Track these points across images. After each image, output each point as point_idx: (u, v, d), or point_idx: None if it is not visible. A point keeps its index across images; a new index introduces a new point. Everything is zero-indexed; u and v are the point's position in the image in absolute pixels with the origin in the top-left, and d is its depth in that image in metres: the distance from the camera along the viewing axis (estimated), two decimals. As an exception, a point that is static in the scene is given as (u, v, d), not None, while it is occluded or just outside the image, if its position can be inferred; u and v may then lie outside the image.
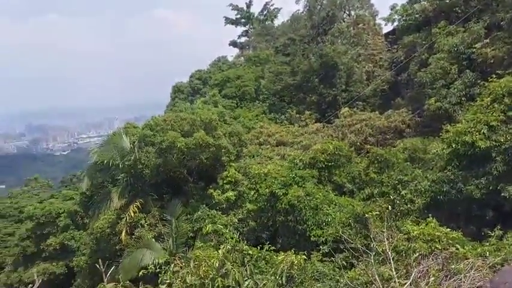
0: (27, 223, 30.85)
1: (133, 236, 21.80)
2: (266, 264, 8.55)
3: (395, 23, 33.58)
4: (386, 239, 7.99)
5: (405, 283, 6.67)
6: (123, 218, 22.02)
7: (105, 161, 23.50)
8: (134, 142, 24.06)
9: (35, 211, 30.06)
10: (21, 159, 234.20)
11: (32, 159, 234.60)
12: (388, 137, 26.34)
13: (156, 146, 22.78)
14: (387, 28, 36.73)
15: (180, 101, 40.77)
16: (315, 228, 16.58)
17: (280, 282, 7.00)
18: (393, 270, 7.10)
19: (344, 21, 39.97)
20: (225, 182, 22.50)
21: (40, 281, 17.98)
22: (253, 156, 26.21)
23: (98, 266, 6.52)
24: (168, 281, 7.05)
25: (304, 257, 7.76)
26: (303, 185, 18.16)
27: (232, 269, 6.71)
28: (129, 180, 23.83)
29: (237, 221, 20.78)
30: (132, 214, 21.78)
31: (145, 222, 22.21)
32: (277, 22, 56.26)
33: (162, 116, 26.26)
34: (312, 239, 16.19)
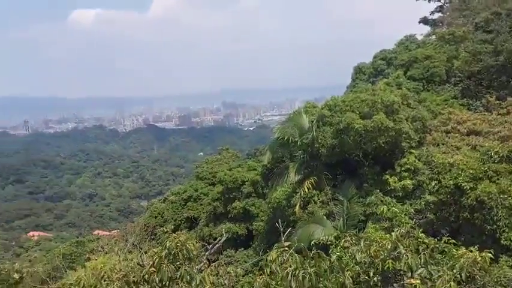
0: (218, 186, 35.38)
1: (306, 211, 22.82)
2: (443, 257, 7.92)
3: None
4: None
5: None
6: (298, 192, 23.19)
7: (285, 138, 24.97)
8: (313, 121, 24.81)
9: (225, 177, 34.23)
10: (216, 131, 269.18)
11: (225, 131, 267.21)
12: None
13: (333, 126, 23.02)
14: None
15: (361, 82, 39.94)
16: (507, 230, 14.44)
17: (458, 278, 6.42)
18: None
19: None
20: (403, 169, 21.35)
21: (226, 237, 20.69)
22: (438, 145, 24.00)
23: (277, 224, 7.15)
24: (338, 254, 7.25)
25: (490, 255, 6.90)
26: (497, 181, 15.91)
27: (405, 253, 6.47)
28: (306, 157, 24.84)
29: (413, 211, 19.61)
30: (306, 190, 22.75)
31: (318, 199, 22.95)
32: (480, -5, 49.16)
33: (341, 97, 26.28)
34: (502, 242, 14.17)
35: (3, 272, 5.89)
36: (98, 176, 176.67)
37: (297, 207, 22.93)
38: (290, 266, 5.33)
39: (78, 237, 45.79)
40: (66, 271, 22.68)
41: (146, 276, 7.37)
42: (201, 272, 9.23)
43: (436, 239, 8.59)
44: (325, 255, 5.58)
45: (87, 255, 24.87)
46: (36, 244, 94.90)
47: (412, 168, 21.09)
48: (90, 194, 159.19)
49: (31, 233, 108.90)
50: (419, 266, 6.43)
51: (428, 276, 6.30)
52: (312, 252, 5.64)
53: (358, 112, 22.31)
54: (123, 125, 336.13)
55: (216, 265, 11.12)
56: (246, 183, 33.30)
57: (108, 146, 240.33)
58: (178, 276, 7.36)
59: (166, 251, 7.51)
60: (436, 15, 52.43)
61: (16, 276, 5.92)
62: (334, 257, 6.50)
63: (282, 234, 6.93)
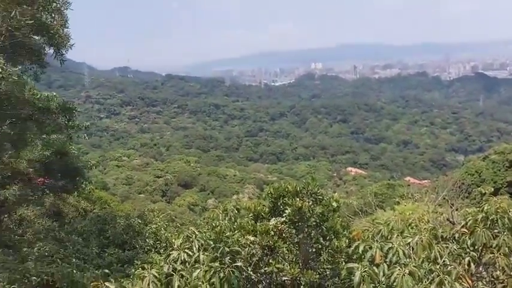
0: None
1: None
2: None
3: None
4: None
5: None
6: None
7: None
8: None
9: None
10: None
11: None
12: None
13: None
14: None
15: None
16: None
17: None
18: None
19: None
20: None
21: None
22: None
23: None
24: None
25: None
26: None
27: None
28: None
29: None
30: None
31: None
32: None
33: None
34: None
35: (325, 198, 6.91)
36: (415, 123, 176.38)
37: None
38: None
39: (389, 180, 48.04)
40: (376, 209, 24.47)
41: (457, 235, 6.93)
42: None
43: None
44: None
45: (397, 199, 25.91)
46: (353, 179, 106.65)
47: None
48: (405, 141, 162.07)
49: (349, 168, 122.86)
50: None
51: None
52: None
53: None
54: (447, 73, 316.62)
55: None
56: None
57: (428, 94, 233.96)
58: (494, 245, 6.56)
59: (483, 214, 6.76)
60: None
61: (334, 204, 6.83)
62: None
63: None
